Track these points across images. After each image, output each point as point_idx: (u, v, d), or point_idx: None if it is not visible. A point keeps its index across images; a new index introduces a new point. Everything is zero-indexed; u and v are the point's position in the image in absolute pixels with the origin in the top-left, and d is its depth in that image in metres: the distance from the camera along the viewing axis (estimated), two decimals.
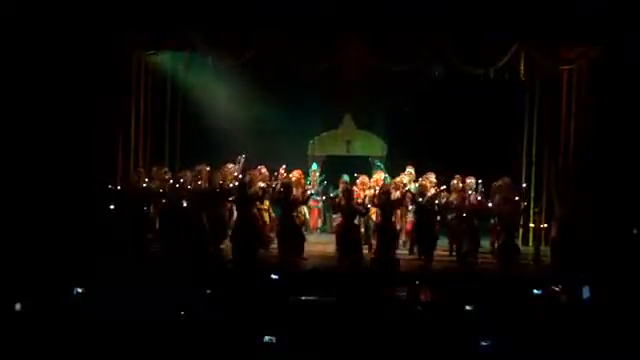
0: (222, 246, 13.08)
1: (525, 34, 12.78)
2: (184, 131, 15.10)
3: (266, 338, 7.78)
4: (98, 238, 12.20)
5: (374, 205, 12.89)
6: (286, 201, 12.84)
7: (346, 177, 14.25)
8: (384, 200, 12.63)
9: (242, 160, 13.17)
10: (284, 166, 13.51)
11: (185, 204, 12.76)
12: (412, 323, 8.57)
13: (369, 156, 15.94)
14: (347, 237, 12.59)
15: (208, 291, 9.32)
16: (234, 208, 13.29)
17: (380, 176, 13.89)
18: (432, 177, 13.40)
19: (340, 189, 13.31)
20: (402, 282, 10.23)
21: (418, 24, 12.58)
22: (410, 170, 13.94)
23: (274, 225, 13.52)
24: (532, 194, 14.06)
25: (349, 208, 12.62)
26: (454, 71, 13.48)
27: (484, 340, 7.92)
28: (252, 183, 12.91)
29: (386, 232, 12.59)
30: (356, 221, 12.85)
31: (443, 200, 12.82)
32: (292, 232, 12.83)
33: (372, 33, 12.83)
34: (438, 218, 12.91)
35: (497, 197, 12.69)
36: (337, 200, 12.96)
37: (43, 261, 10.83)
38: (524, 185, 13.75)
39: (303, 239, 13.03)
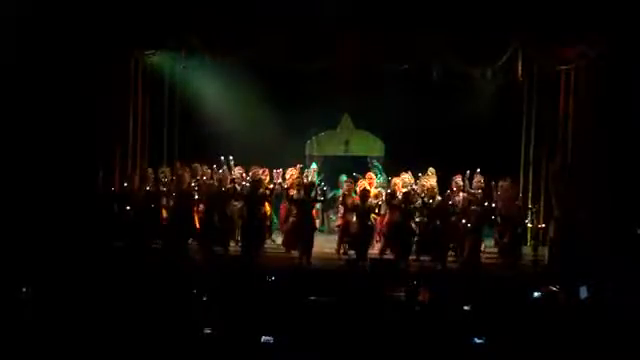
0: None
1: (523, 34, 12.80)
2: (182, 131, 15.10)
3: (264, 338, 7.77)
4: (99, 239, 12.26)
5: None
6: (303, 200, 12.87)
7: (344, 177, 14.26)
8: (390, 201, 12.71)
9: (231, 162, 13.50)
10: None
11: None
12: (410, 323, 8.58)
13: (367, 156, 15.94)
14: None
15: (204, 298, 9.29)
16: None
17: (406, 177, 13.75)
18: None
19: (345, 188, 13.33)
20: (401, 282, 10.24)
21: (416, 24, 12.59)
22: (432, 170, 13.92)
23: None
24: (530, 194, 14.08)
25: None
26: (452, 71, 13.47)
27: (479, 338, 7.94)
28: (260, 183, 13.01)
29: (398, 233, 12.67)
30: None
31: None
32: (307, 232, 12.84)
33: (371, 33, 12.83)
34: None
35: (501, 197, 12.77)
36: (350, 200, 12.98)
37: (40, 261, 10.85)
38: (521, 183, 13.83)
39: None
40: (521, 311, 9.19)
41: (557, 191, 13.38)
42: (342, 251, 13.15)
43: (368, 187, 13.17)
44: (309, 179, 13.71)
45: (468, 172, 13.22)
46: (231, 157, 13.63)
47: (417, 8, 12.36)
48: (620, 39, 12.21)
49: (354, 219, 12.89)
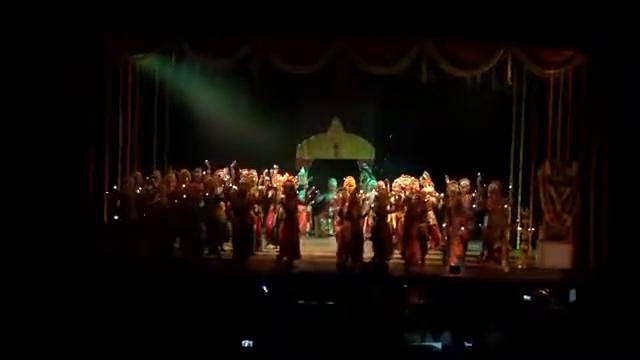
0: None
1: (511, 39, 12.83)
2: (172, 134, 15.08)
3: (245, 343, 7.76)
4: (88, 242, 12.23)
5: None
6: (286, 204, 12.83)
7: (334, 181, 14.26)
8: (377, 205, 12.67)
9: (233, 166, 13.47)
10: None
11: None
12: (398, 326, 8.59)
13: (357, 160, 15.96)
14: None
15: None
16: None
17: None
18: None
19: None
20: (391, 285, 10.26)
21: (406, 29, 12.62)
22: (425, 175, 13.93)
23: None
24: (520, 198, 14.13)
25: None
26: (442, 75, 13.49)
27: (468, 342, 7.97)
28: (248, 188, 12.96)
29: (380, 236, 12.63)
30: None
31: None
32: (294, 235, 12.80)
33: (361, 37, 12.85)
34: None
35: (488, 201, 12.83)
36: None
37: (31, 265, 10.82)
38: (510, 187, 13.84)
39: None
40: (511, 314, 9.22)
41: (547, 195, 13.42)
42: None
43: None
44: (298, 183, 13.72)
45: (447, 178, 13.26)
46: (207, 160, 13.65)
47: (406, 13, 12.38)
48: (609, 44, 12.27)
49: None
